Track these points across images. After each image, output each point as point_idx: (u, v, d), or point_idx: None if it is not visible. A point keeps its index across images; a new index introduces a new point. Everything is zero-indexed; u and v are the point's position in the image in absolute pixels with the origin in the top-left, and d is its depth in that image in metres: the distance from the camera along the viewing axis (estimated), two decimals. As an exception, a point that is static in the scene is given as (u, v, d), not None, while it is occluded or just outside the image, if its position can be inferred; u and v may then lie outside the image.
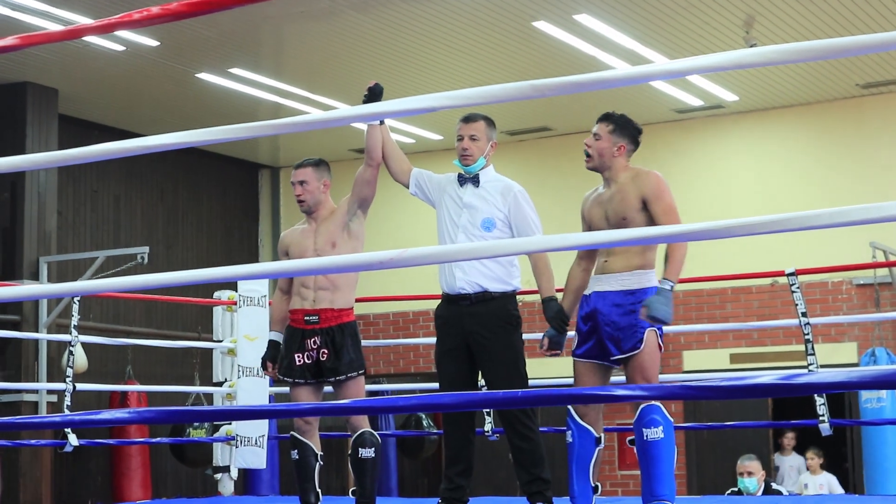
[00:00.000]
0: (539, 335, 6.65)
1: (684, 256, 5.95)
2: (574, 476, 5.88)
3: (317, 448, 6.89)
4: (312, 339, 6.58)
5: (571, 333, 6.16)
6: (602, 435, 5.99)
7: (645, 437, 5.76)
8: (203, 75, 13.33)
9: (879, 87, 14.34)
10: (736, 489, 10.94)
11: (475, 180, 6.60)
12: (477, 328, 6.48)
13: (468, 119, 6.66)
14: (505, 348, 6.50)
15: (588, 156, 6.15)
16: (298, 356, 6.59)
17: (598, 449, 5.92)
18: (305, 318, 6.59)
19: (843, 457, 14.85)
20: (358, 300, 12.87)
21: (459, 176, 6.66)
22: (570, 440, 5.96)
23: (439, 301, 6.70)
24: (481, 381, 6.87)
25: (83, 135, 14.46)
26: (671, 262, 5.87)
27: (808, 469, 13.08)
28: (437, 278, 6.67)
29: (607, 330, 5.90)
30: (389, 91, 13.92)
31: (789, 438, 13.57)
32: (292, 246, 6.89)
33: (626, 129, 6.19)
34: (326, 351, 6.57)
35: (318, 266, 3.70)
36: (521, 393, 3.13)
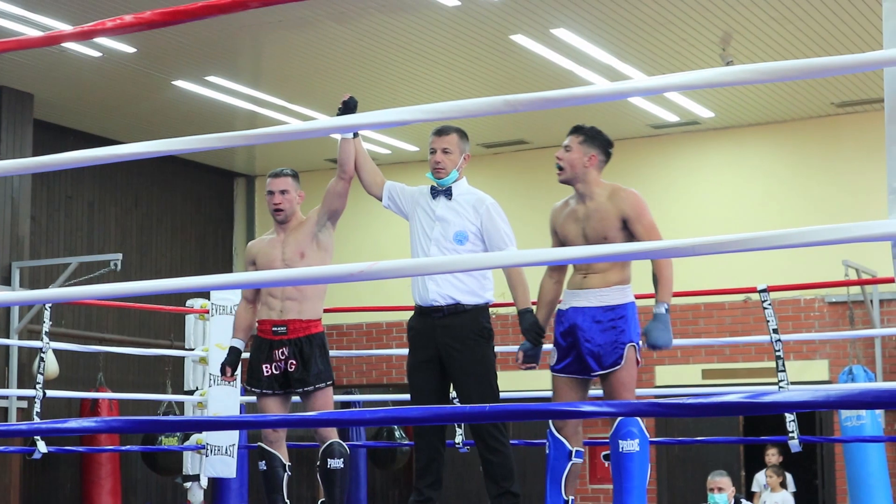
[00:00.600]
0: (513, 348, 6.65)
1: (672, 275, 5.97)
2: (548, 489, 5.89)
3: (285, 459, 6.88)
4: (280, 350, 6.56)
5: (547, 346, 6.17)
6: (579, 449, 5.98)
7: (620, 449, 5.77)
8: (179, 83, 13.31)
9: (854, 106, 14.41)
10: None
11: (448, 193, 6.60)
12: (449, 340, 6.46)
13: (441, 132, 6.66)
14: (476, 361, 6.49)
15: (560, 168, 6.16)
16: (266, 367, 6.57)
17: (571, 463, 5.90)
18: (273, 328, 6.58)
19: (813, 474, 14.90)
20: (330, 310, 12.85)
21: (432, 188, 6.65)
22: (548, 452, 5.97)
23: (412, 312, 6.69)
24: (453, 394, 6.85)
25: (58, 140, 14.42)
26: (662, 284, 5.88)
27: (766, 486, 13.07)
28: (411, 290, 6.64)
29: (587, 346, 5.91)
30: (366, 102, 13.96)
31: (772, 455, 13.35)
32: (259, 256, 6.87)
33: (597, 140, 6.21)
34: (294, 362, 6.56)
35: (289, 277, 3.70)
36: (490, 407, 3.13)
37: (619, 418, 5.72)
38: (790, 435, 8.10)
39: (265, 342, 6.58)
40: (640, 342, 5.89)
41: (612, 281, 5.94)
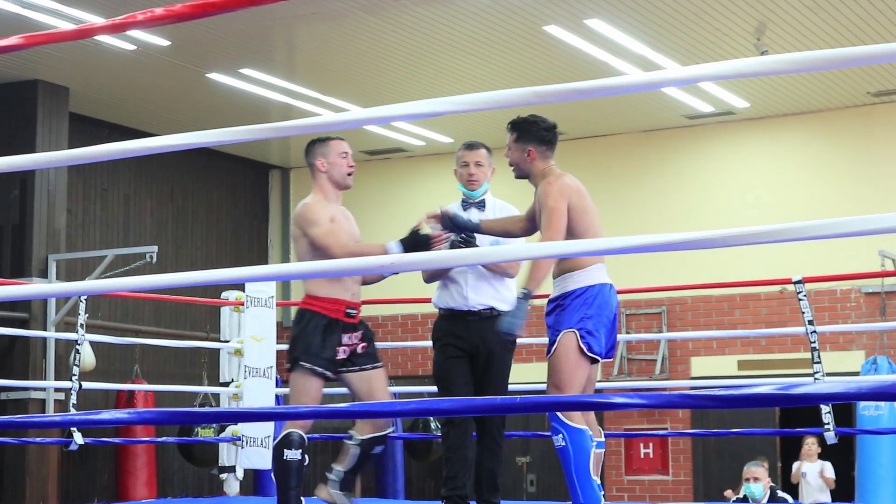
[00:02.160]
0: (529, 340, 6.69)
1: (549, 267, 5.89)
2: (577, 479, 5.73)
3: None
4: (353, 334, 6.47)
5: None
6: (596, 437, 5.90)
7: (555, 445, 5.78)
8: (214, 75, 13.35)
9: (890, 96, 14.33)
10: (741, 496, 10.90)
11: (480, 204, 6.90)
12: (484, 340, 6.72)
13: (472, 146, 6.97)
14: (503, 364, 6.80)
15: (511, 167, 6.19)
16: (342, 350, 6.41)
17: (594, 447, 5.79)
18: (347, 310, 6.47)
19: (850, 465, 14.81)
20: (366, 302, 12.87)
21: (464, 201, 6.93)
22: (563, 444, 5.76)
23: (442, 316, 6.93)
24: None
25: (93, 133, 14.48)
26: (533, 272, 5.81)
27: (803, 457, 12.89)
28: (436, 296, 6.97)
29: (548, 332, 5.95)
30: (399, 93, 14.02)
31: (811, 444, 12.99)
32: (339, 219, 6.86)
33: (530, 133, 6.13)
34: (364, 344, 6.52)
35: (320, 270, 3.70)
36: (523, 398, 3.13)
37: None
38: (826, 426, 8.07)
39: (338, 324, 6.40)
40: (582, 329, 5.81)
41: (563, 268, 5.91)
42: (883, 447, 12.53)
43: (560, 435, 5.71)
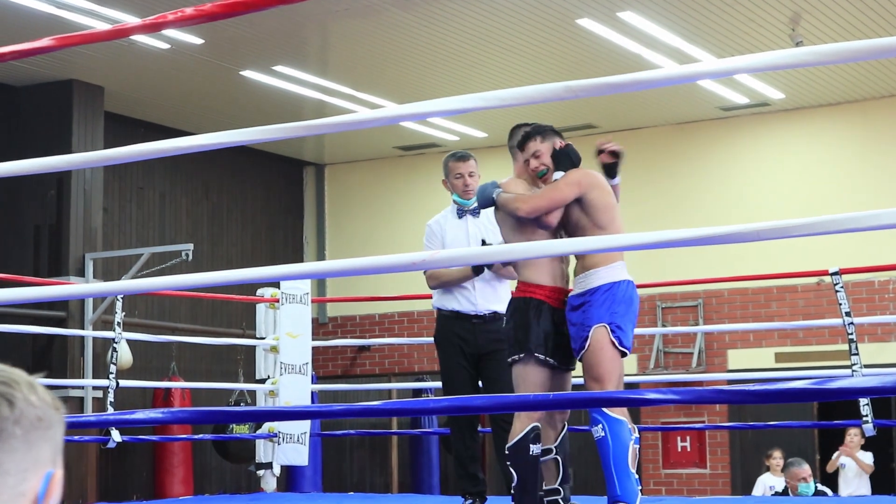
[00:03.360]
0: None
1: (528, 206, 5.88)
2: (615, 471, 5.68)
3: None
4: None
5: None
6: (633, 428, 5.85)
7: (595, 436, 5.73)
8: (247, 73, 13.38)
9: (927, 85, 14.23)
10: (780, 490, 10.85)
11: (475, 212, 7.22)
12: (490, 341, 7.00)
13: (464, 157, 7.33)
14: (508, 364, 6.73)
15: (545, 173, 6.09)
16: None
17: (633, 440, 5.74)
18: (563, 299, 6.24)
19: (889, 457, 14.74)
20: (401, 297, 12.88)
21: (458, 210, 7.32)
22: (602, 434, 5.69)
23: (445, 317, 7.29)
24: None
25: (129, 132, 14.54)
26: (522, 197, 5.91)
27: (843, 449, 12.77)
28: (442, 299, 7.36)
29: (571, 330, 5.88)
30: (432, 88, 14.01)
31: (854, 436, 12.73)
32: None
33: (568, 159, 6.14)
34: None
35: (356, 266, 3.70)
36: (556, 396, 3.12)
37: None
38: (864, 419, 8.02)
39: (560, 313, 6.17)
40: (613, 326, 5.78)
41: (585, 265, 5.88)
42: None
43: (600, 426, 5.67)
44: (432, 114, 3.58)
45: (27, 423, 1.80)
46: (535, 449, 5.84)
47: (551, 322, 5.91)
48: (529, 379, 5.85)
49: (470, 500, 6.90)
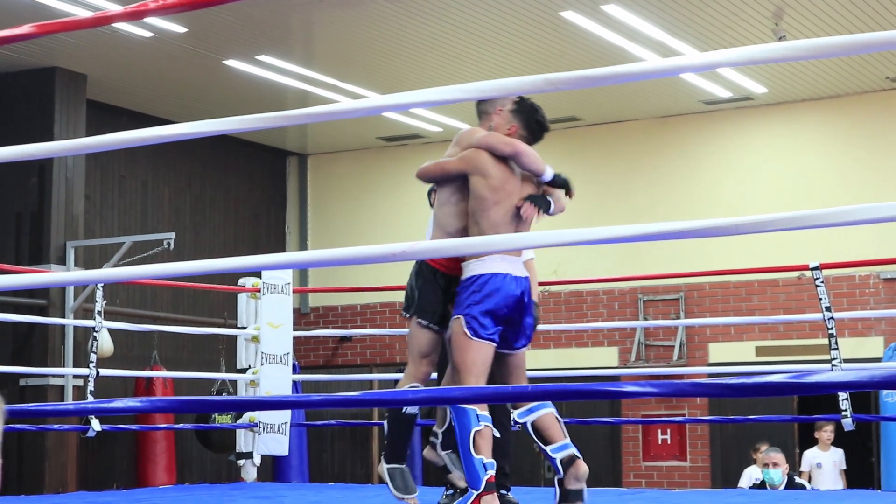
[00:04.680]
0: (563, 326, 6.69)
1: (420, 169, 6.16)
2: (462, 457, 5.83)
3: None
4: None
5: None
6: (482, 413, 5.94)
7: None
8: (231, 62, 13.35)
9: (910, 81, 14.27)
10: (758, 482, 10.86)
11: None
12: None
13: None
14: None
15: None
16: None
17: (479, 425, 5.84)
18: None
19: (868, 451, 14.80)
20: (383, 288, 12.86)
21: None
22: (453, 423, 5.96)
23: None
24: None
25: (111, 120, 14.50)
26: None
27: (817, 444, 12.77)
28: None
29: None
30: (416, 79, 13.99)
31: (828, 432, 12.75)
32: None
33: (527, 116, 6.22)
34: None
35: (338, 257, 3.70)
36: (567, 386, 3.13)
37: None
38: (843, 413, 8.05)
39: None
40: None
41: (464, 258, 5.99)
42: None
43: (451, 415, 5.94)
44: (414, 104, 3.59)
45: None
46: (410, 409, 6.10)
47: (441, 290, 6.13)
48: (418, 338, 6.14)
49: (451, 491, 6.89)
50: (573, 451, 5.92)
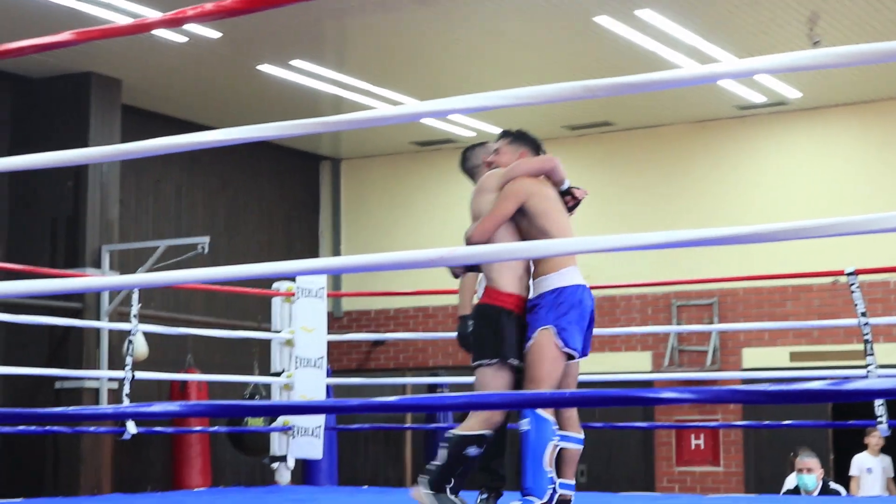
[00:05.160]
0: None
1: (477, 235, 6.03)
2: (530, 465, 5.86)
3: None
4: None
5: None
6: (570, 434, 6.01)
7: (520, 430, 5.95)
8: (264, 67, 13.40)
9: (946, 85, 14.19)
10: (792, 487, 10.80)
11: None
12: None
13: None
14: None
15: None
16: None
17: (555, 440, 5.90)
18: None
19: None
20: (417, 293, 12.87)
21: None
22: (527, 428, 5.92)
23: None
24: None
25: (146, 125, 14.57)
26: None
27: (866, 449, 12.64)
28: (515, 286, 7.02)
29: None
30: (449, 84, 14.01)
31: (877, 437, 12.46)
32: None
33: (525, 139, 6.34)
34: None
35: (373, 263, 3.72)
36: (572, 393, 3.13)
37: None
38: (878, 419, 8.01)
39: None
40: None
41: (538, 272, 6.05)
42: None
43: (527, 420, 5.91)
44: (452, 111, 3.60)
45: None
46: (472, 452, 5.99)
47: (517, 328, 6.08)
48: (498, 382, 6.03)
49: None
50: (572, 495, 6.06)
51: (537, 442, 5.84)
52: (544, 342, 5.90)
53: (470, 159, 6.69)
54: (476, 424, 5.99)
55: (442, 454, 6.00)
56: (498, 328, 6.06)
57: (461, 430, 6.00)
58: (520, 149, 6.26)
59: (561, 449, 5.99)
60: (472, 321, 6.21)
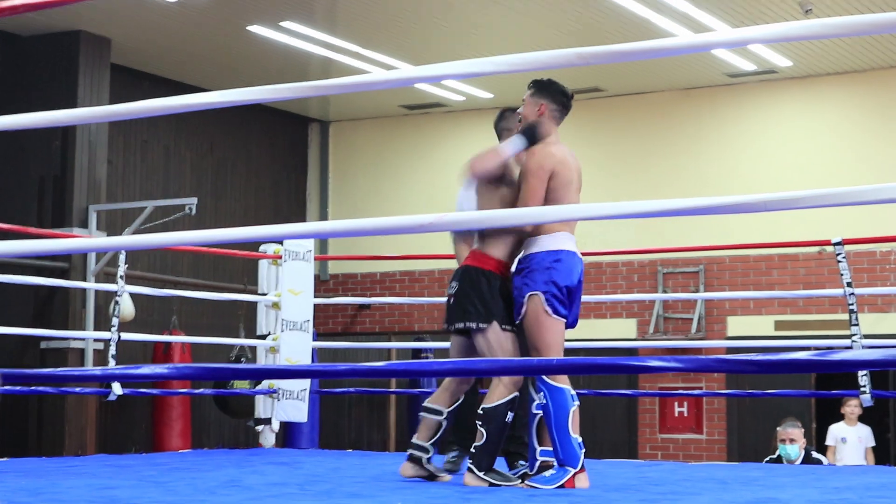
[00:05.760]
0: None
1: (490, 160, 5.97)
2: (557, 436, 5.83)
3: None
4: None
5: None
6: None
7: (537, 403, 5.94)
8: (254, 28, 13.34)
9: (935, 56, 14.20)
10: (775, 456, 10.86)
11: None
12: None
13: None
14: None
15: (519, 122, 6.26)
16: None
17: (575, 404, 5.88)
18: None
19: (885, 427, 14.79)
20: (403, 257, 12.84)
21: None
22: (544, 402, 5.89)
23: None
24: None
25: (134, 85, 14.53)
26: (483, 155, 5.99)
27: (844, 420, 12.69)
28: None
29: (514, 292, 6.03)
30: (441, 49, 13.95)
31: (853, 406, 12.45)
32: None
33: (547, 91, 6.17)
34: None
35: (365, 227, 3.71)
36: (558, 360, 3.14)
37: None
38: (862, 389, 8.05)
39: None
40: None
41: (532, 233, 5.99)
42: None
43: (542, 393, 5.88)
44: (443, 77, 3.59)
45: None
46: (510, 416, 6.02)
47: (501, 291, 6.07)
48: (505, 345, 6.02)
49: (456, 453, 6.93)
50: (553, 462, 5.96)
51: (558, 412, 5.81)
52: (534, 309, 5.88)
53: (503, 120, 6.63)
54: (504, 390, 5.99)
55: (481, 433, 5.97)
56: (479, 292, 6.05)
57: (492, 401, 5.98)
58: (540, 101, 6.15)
59: (542, 417, 5.97)
60: (457, 282, 6.17)
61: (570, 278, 5.96)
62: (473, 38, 13.55)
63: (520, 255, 6.05)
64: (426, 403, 6.39)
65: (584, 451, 5.88)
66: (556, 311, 5.90)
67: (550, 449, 5.94)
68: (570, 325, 6.05)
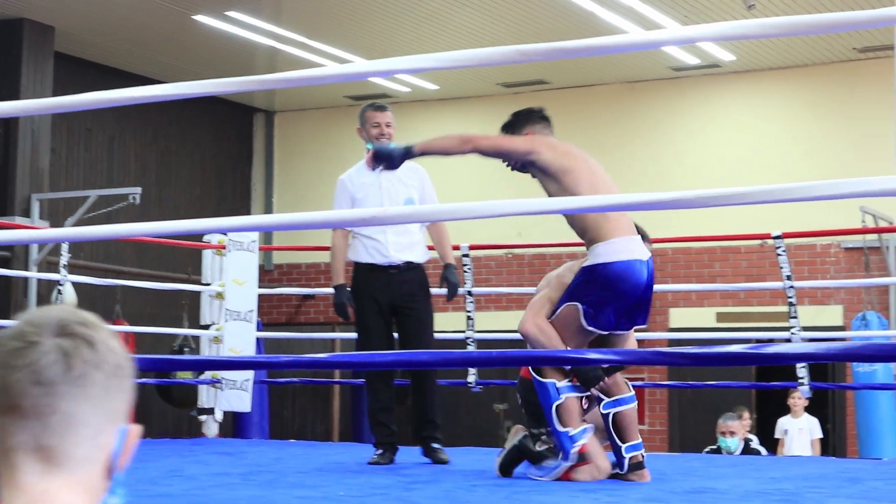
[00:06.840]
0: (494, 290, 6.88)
1: (448, 143, 5.88)
2: (552, 429, 5.81)
3: None
4: None
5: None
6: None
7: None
8: (200, 17, 13.30)
9: (876, 52, 14.34)
10: (715, 447, 10.99)
11: (392, 166, 6.79)
12: (405, 295, 7.12)
13: (382, 108, 7.51)
14: (428, 310, 7.19)
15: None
16: None
17: (561, 398, 5.84)
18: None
19: (824, 419, 14.94)
20: (298, 249, 12.77)
21: (374, 165, 6.88)
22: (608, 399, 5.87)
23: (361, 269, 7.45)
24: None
25: (79, 73, 14.44)
26: (433, 139, 5.85)
27: (790, 411, 12.81)
28: (355, 252, 7.50)
29: None
30: (391, 41, 13.95)
31: (797, 399, 12.55)
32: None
33: (527, 118, 6.29)
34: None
35: (305, 221, 3.74)
36: (516, 352, 3.18)
37: None
38: (800, 381, 8.14)
39: None
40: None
41: (589, 240, 5.98)
42: (882, 402, 12.64)
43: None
44: (386, 72, 3.62)
45: (108, 368, 1.65)
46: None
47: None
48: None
49: (380, 451, 7.00)
50: (642, 453, 5.88)
51: (543, 406, 5.78)
52: (568, 316, 5.71)
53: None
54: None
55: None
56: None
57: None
58: (524, 130, 6.31)
59: (615, 414, 5.82)
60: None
61: (622, 288, 5.76)
62: (417, 29, 13.57)
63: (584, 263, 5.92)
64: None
65: (580, 442, 5.73)
66: (590, 324, 5.67)
67: (636, 442, 5.84)
68: (639, 323, 5.90)
